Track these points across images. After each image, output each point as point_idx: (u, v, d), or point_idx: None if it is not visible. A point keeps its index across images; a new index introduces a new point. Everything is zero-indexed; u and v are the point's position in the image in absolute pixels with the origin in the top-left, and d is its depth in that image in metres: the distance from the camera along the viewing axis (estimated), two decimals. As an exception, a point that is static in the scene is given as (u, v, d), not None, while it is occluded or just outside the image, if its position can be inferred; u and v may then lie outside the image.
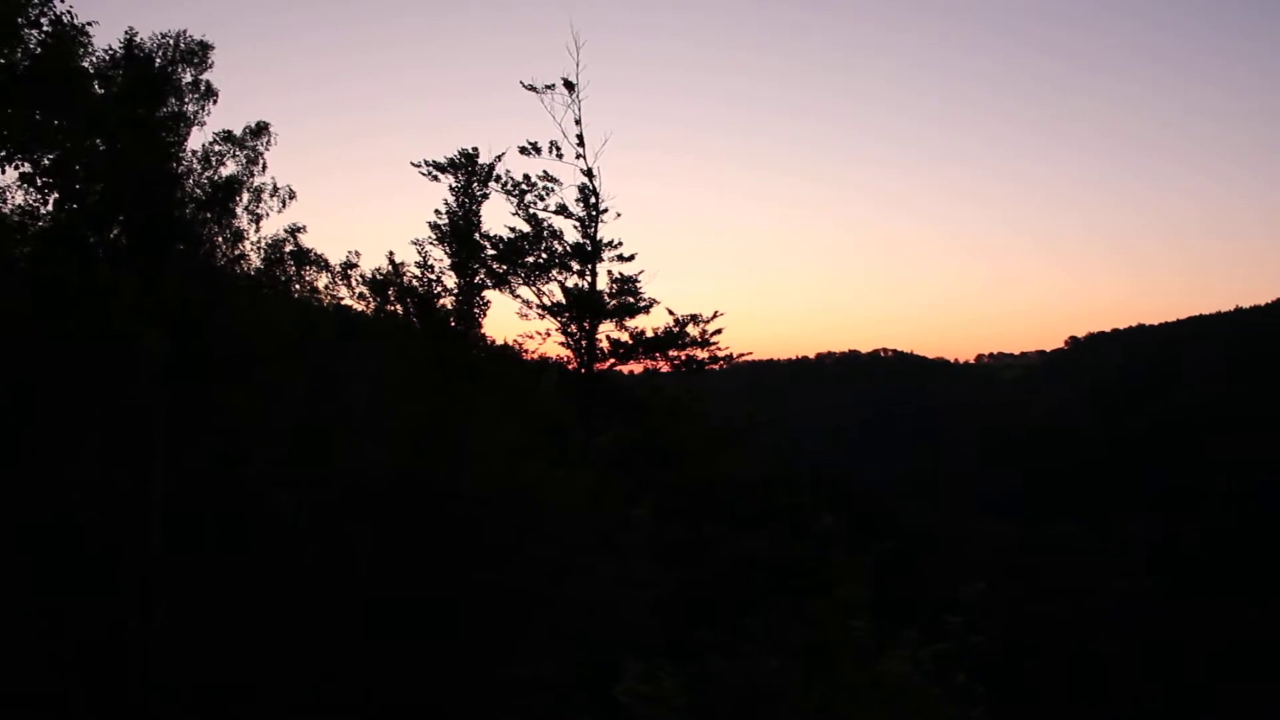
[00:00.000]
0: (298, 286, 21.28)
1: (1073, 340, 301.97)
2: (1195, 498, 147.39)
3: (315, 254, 21.34)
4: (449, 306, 20.89)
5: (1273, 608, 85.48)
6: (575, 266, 21.64)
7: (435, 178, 21.41)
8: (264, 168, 21.62)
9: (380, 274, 20.75)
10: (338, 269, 20.87)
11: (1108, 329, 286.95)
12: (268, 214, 21.62)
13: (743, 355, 22.41)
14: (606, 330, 21.62)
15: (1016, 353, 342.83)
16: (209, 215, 20.62)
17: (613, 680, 8.90)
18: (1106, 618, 79.19)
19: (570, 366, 21.71)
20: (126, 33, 19.47)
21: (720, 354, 21.83)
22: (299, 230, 21.27)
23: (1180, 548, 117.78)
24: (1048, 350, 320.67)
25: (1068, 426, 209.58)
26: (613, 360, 21.72)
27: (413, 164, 21.60)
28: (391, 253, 21.06)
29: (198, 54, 20.94)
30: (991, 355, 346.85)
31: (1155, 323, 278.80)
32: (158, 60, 20.33)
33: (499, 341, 22.41)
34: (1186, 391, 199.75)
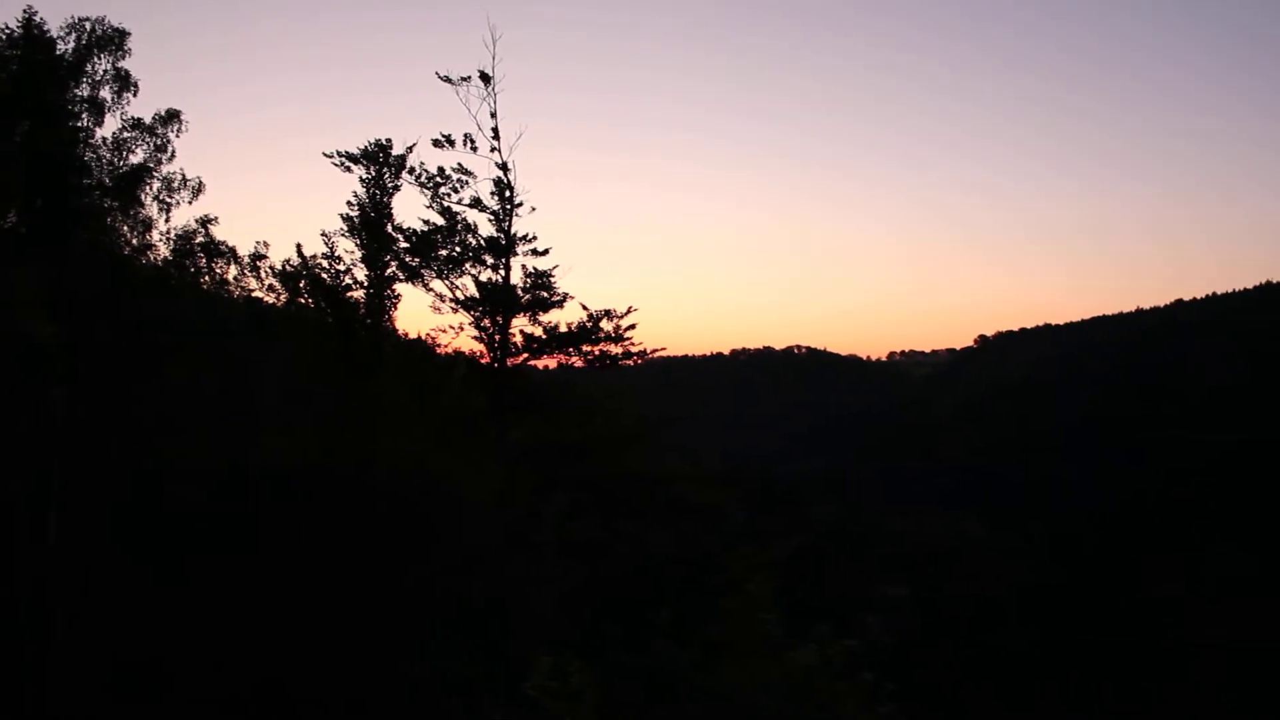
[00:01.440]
0: (207, 279, 20.88)
1: (982, 339, 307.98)
2: (1096, 493, 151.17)
3: (225, 246, 20.96)
4: (359, 299, 20.66)
5: (1172, 600, 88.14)
6: (489, 260, 21.50)
7: (348, 169, 21.13)
8: (173, 156, 21.17)
9: (290, 266, 20.44)
10: (246, 260, 20.52)
11: (1015, 328, 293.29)
12: (178, 204, 21.18)
13: (656, 351, 22.43)
14: (520, 325, 21.51)
15: (927, 350, 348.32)
16: (114, 204, 20.13)
17: (521, 676, 8.88)
18: (1012, 611, 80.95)
19: (483, 361, 21.55)
20: (25, 11, 18.86)
21: (634, 350, 21.82)
22: (210, 221, 20.88)
23: (1082, 543, 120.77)
24: (958, 349, 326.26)
25: (975, 423, 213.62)
26: (526, 355, 21.61)
27: (325, 155, 21.31)
28: (300, 244, 20.75)
29: (115, 41, 20.43)
30: (903, 353, 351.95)
31: (1060, 322, 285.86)
32: (70, 44, 19.82)
33: (411, 335, 22.22)
34: (1088, 389, 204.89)
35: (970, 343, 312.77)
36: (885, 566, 76.33)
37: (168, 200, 20.72)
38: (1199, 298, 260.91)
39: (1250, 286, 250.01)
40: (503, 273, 21.42)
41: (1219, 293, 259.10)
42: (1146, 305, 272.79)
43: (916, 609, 62.63)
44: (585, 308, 21.55)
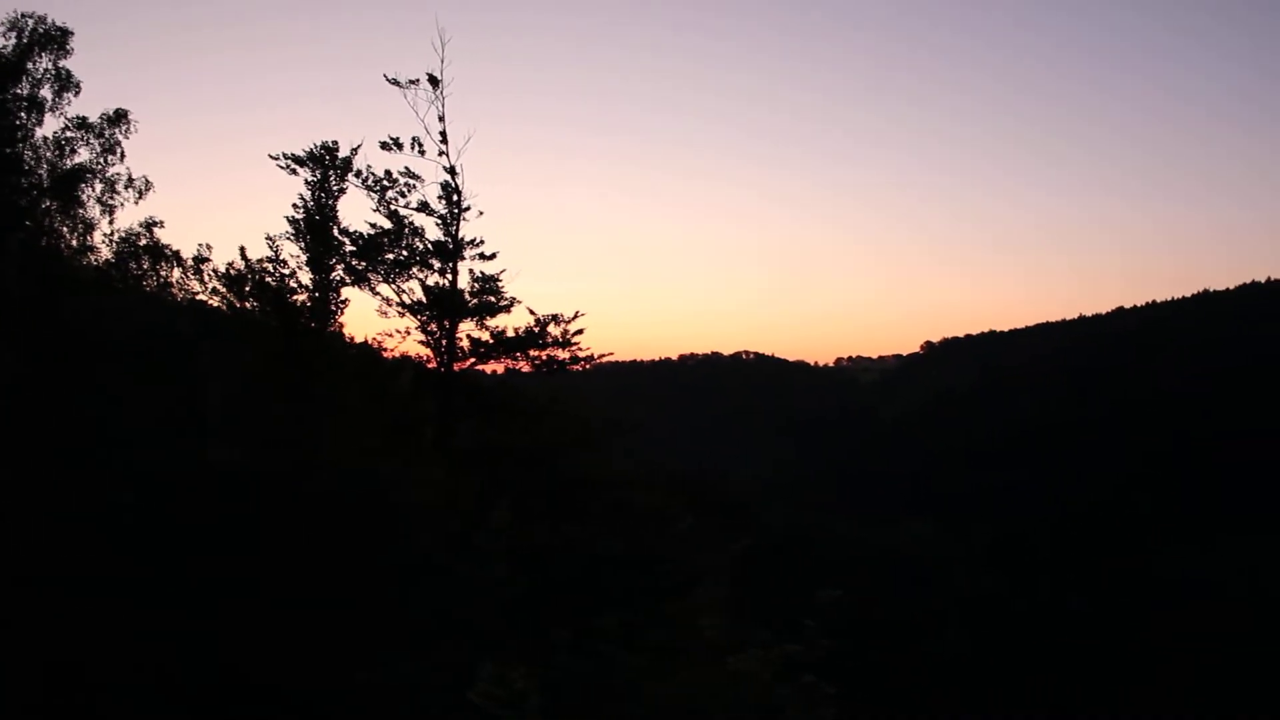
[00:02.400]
0: (150, 282, 20.65)
1: (928, 345, 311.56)
2: (1040, 499, 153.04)
3: (170, 249, 20.75)
4: (305, 303, 20.50)
5: (1114, 605, 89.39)
6: (436, 264, 21.41)
7: (293, 171, 20.98)
8: (122, 157, 20.92)
9: (234, 269, 20.25)
10: (190, 263, 20.31)
11: (962, 335, 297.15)
12: (122, 205, 20.92)
13: (604, 356, 22.45)
14: (467, 329, 21.45)
15: (875, 357, 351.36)
16: (53, 204, 19.85)
17: (466, 683, 8.83)
18: (957, 615, 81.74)
19: (430, 365, 21.46)
20: (-46, 5, 18.58)
21: (582, 354, 21.84)
22: (156, 224, 20.65)
23: (1026, 547, 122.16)
24: (905, 355, 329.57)
25: (922, 429, 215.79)
26: (473, 359, 21.54)
27: (270, 156, 21.12)
28: (243, 247, 20.56)
29: (57, 40, 20.17)
30: (851, 359, 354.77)
31: (1006, 329, 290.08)
32: (10, 42, 19.53)
33: (357, 339, 22.06)
34: (1033, 395, 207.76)
35: (917, 349, 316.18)
36: (831, 571, 76.89)
37: (110, 201, 20.48)
38: (1139, 305, 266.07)
39: (1189, 295, 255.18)
40: (450, 277, 21.35)
41: (1158, 300, 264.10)
42: (1089, 313, 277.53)
43: (860, 613, 63.12)
44: (533, 312, 21.56)
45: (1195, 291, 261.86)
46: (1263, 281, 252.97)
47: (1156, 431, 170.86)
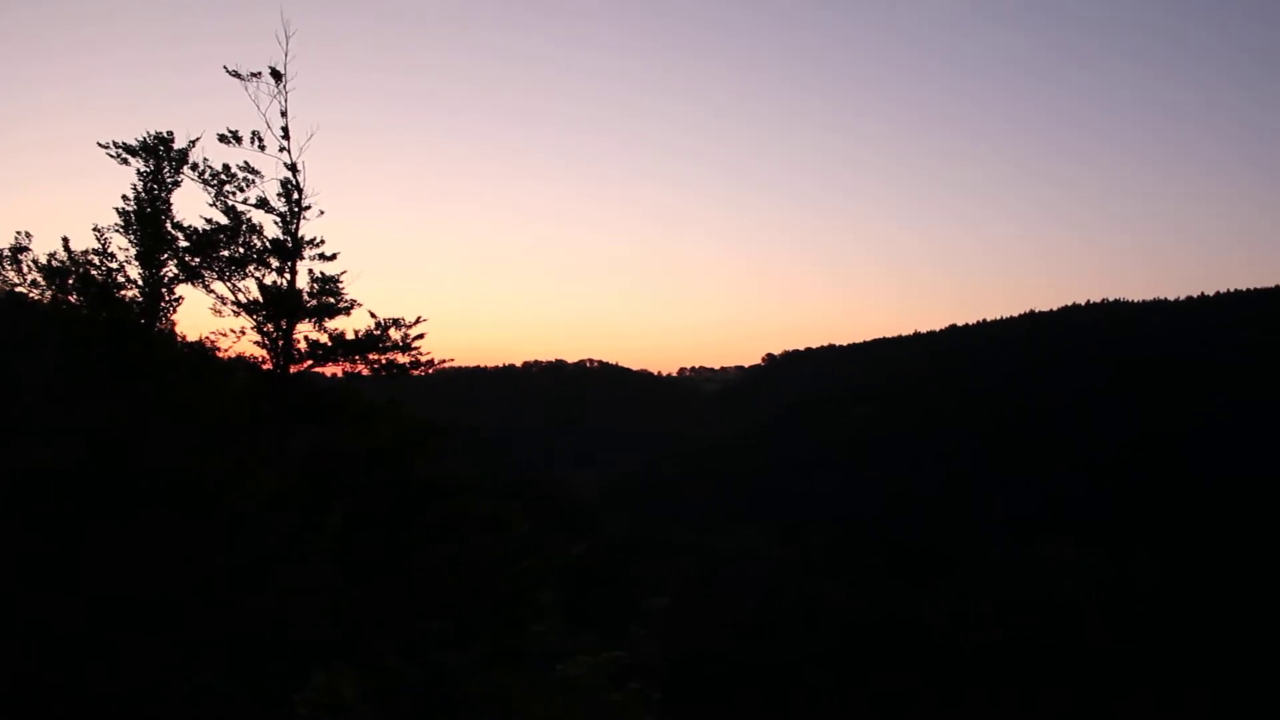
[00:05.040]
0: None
1: (770, 357, 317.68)
2: (875, 506, 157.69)
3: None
4: (134, 299, 19.80)
5: (940, 608, 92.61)
6: (274, 263, 20.89)
7: (125, 161, 20.22)
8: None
9: (56, 261, 19.41)
10: (6, 253, 19.40)
11: (802, 348, 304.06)
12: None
13: (445, 361, 22.25)
14: (305, 330, 20.98)
15: (717, 367, 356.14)
16: None
17: (293, 691, 8.71)
18: (796, 620, 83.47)
19: (265, 367, 20.94)
20: None
21: (423, 359, 21.61)
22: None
23: (862, 552, 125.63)
24: (746, 366, 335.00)
25: (761, 438, 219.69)
26: (310, 362, 21.10)
27: (100, 145, 20.28)
28: (66, 238, 19.73)
29: None
30: (693, 369, 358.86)
31: (844, 343, 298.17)
32: None
33: (189, 338, 21.38)
34: (869, 405, 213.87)
35: (759, 361, 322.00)
36: (667, 577, 77.69)
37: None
38: (971, 324, 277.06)
39: (1018, 314, 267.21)
40: (288, 276, 20.88)
41: (989, 319, 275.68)
42: (924, 329, 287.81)
43: (696, 619, 63.99)
44: (373, 315, 21.24)
45: (1023, 311, 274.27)
46: (1083, 304, 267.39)
47: (988, 441, 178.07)
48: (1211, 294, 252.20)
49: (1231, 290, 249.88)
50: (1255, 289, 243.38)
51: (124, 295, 19.81)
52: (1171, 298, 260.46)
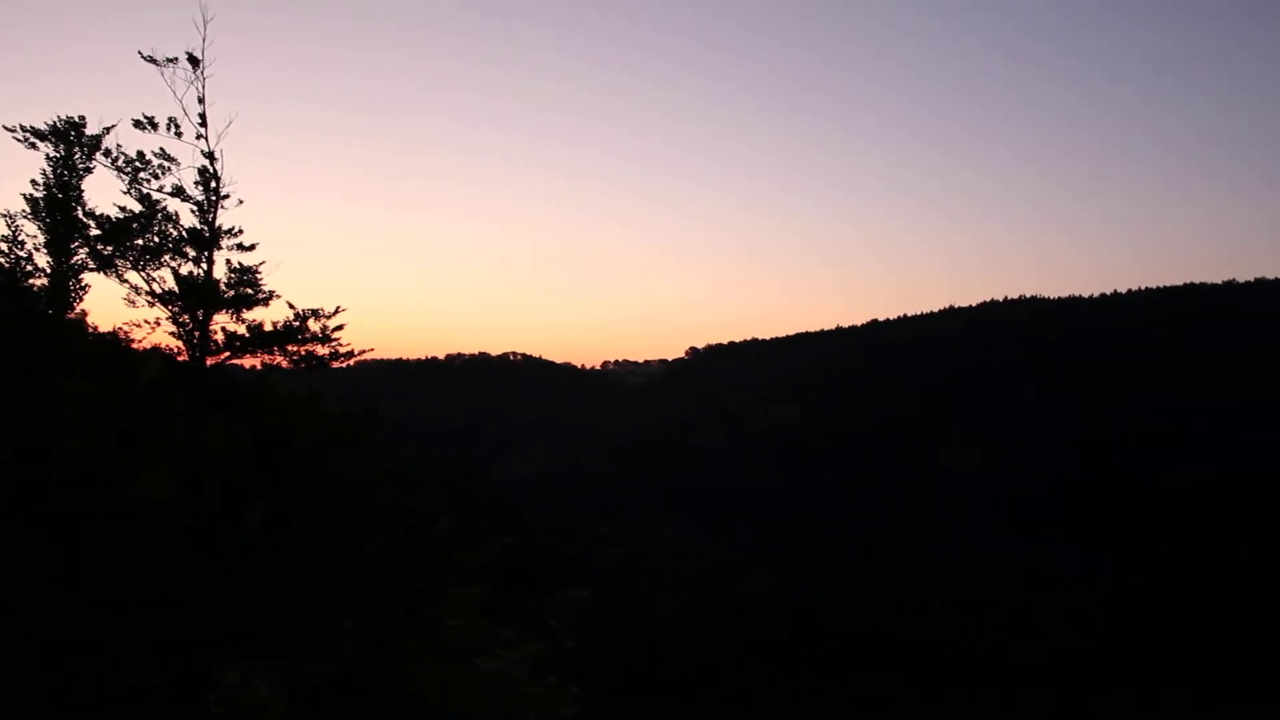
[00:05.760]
0: None
1: (693, 351, 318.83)
2: (801, 502, 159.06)
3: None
4: (42, 288, 19.29)
5: (858, 600, 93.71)
6: (190, 253, 20.46)
7: (33, 145, 19.69)
8: None
9: (-42, 248, 18.83)
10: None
11: (725, 341, 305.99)
12: None
13: (365, 352, 21.95)
14: (222, 321, 20.58)
15: (640, 361, 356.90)
16: None
17: (207, 689, 8.53)
18: (720, 613, 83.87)
19: (180, 359, 20.50)
20: None
21: (342, 350, 21.31)
22: None
23: (786, 546, 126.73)
24: (670, 360, 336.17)
25: (685, 432, 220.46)
26: (228, 354, 20.71)
27: (7, 129, 19.72)
28: (-31, 225, 19.15)
29: None
30: (617, 362, 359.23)
31: (767, 337, 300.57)
32: None
33: (101, 329, 20.86)
34: (791, 400, 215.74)
35: (682, 354, 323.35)
36: (590, 571, 77.69)
37: None
38: (893, 319, 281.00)
39: (939, 309, 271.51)
40: (205, 266, 20.47)
41: (910, 314, 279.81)
42: (845, 324, 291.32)
43: (611, 613, 63.97)
44: (292, 306, 20.91)
45: (944, 307, 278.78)
46: (1000, 300, 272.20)
47: (910, 437, 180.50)
48: (1124, 291, 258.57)
49: (1143, 288, 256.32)
50: (1164, 286, 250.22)
51: (32, 284, 19.32)
52: (1086, 295, 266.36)
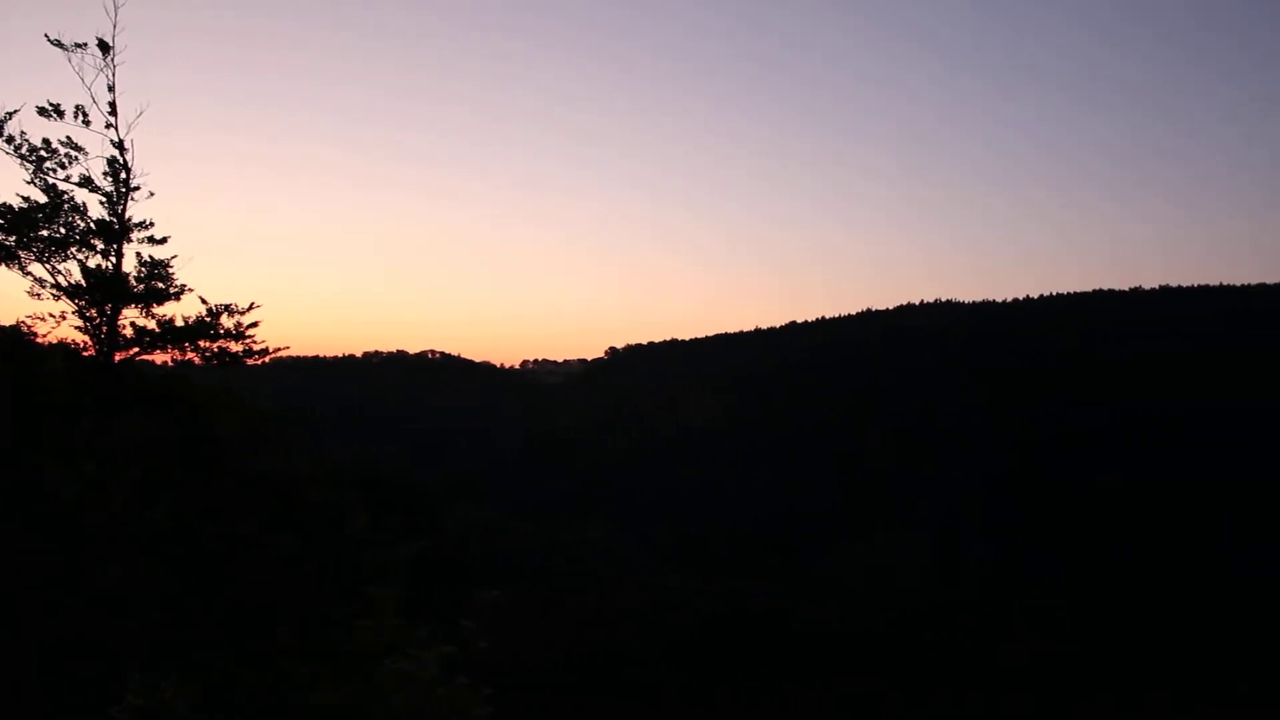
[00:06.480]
0: None
1: (612, 351, 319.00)
2: (720, 502, 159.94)
3: None
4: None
5: (779, 599, 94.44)
6: (99, 245, 19.91)
7: (-71, 131, 19.00)
8: None
9: None
10: None
11: (644, 342, 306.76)
12: None
13: (280, 349, 21.58)
14: (131, 316, 20.07)
15: (560, 360, 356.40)
16: None
17: (111, 697, 8.26)
18: (637, 612, 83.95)
19: (87, 354, 19.94)
20: None
21: (256, 348, 20.92)
22: None
23: (705, 545, 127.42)
24: (589, 359, 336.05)
25: (604, 431, 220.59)
26: (137, 349, 20.20)
27: (-101, 113, 18.99)
28: None
29: None
30: (536, 362, 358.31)
31: (686, 338, 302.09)
32: None
33: (3, 322, 20.21)
34: (712, 400, 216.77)
35: (602, 354, 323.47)
36: (505, 570, 77.37)
37: None
38: (811, 320, 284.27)
39: (855, 312, 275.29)
40: (114, 259, 19.93)
41: (828, 316, 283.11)
42: (764, 325, 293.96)
43: (526, 612, 63.79)
44: (205, 301, 20.47)
45: (860, 310, 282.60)
46: (917, 304, 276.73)
47: (830, 439, 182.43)
48: (1036, 296, 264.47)
49: (1052, 294, 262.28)
50: (1072, 293, 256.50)
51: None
52: (999, 299, 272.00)
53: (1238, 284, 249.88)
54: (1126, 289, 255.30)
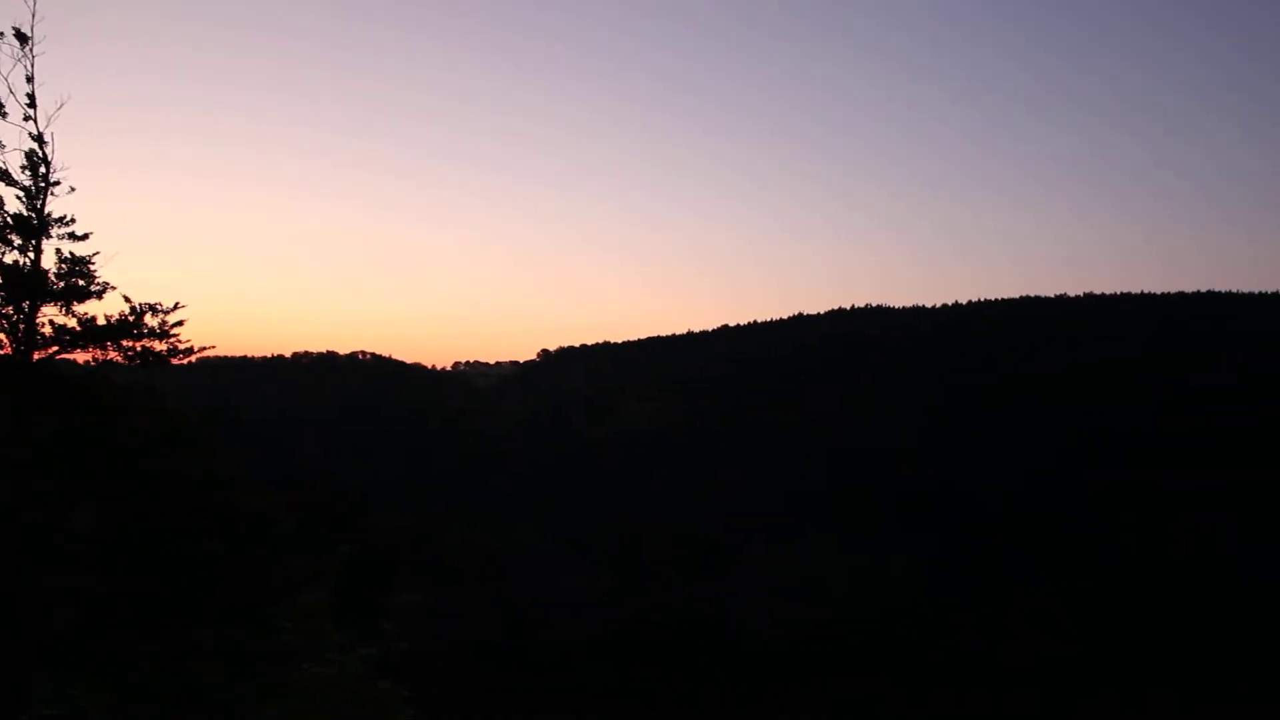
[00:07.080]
0: None
1: (544, 353, 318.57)
2: (650, 503, 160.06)
3: None
4: None
5: (700, 600, 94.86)
6: (16, 241, 19.45)
7: None
8: None
9: None
10: None
11: (577, 344, 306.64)
12: None
13: (204, 349, 21.22)
14: (51, 314, 19.63)
15: (492, 362, 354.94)
16: None
17: (21, 704, 8.07)
18: (567, 613, 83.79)
19: (4, 353, 19.47)
20: None
21: (181, 347, 20.54)
22: None
23: (637, 549, 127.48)
24: (521, 361, 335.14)
25: (537, 433, 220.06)
26: (57, 348, 19.77)
27: None
28: None
29: None
30: (468, 364, 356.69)
31: (618, 340, 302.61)
32: None
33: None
34: (644, 403, 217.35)
35: (534, 356, 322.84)
36: (431, 573, 76.82)
37: None
38: (743, 324, 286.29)
39: (787, 316, 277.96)
40: (32, 255, 19.49)
41: (760, 320, 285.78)
42: (698, 329, 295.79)
43: (449, 614, 63.36)
44: (128, 300, 20.07)
45: (792, 314, 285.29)
46: (849, 309, 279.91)
47: (766, 443, 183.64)
48: (965, 302, 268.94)
49: (982, 299, 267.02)
50: (1002, 299, 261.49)
51: None
52: (929, 304, 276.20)
53: (1158, 292, 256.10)
54: (1053, 295, 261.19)
